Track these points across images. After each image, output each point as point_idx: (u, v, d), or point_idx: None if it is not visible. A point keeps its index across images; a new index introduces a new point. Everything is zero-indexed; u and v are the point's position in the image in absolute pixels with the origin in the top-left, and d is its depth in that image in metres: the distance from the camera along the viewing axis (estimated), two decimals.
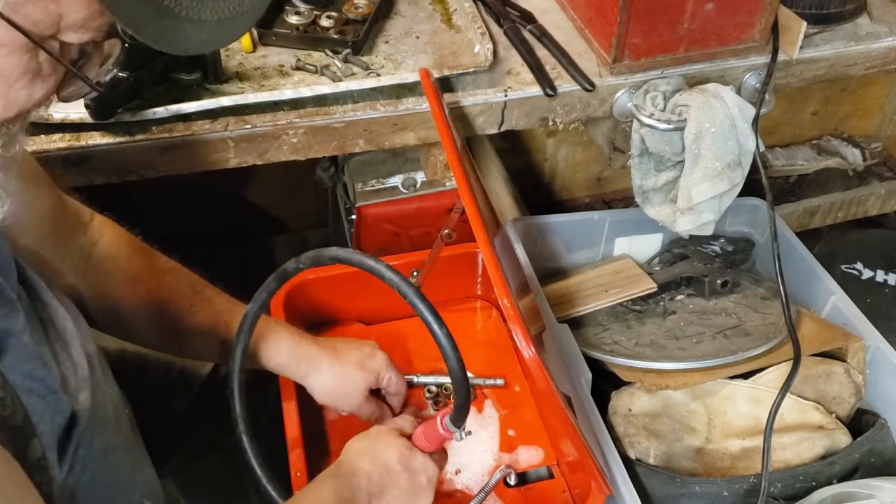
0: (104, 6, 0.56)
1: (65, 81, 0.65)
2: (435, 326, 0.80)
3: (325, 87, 1.17)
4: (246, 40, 1.28)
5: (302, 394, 1.11)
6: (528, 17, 1.37)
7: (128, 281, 1.00)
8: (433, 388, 1.20)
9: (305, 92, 1.16)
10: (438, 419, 0.91)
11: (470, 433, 0.94)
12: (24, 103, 0.61)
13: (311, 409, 1.17)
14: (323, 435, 1.15)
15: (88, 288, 0.99)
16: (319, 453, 1.12)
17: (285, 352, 1.02)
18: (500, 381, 1.22)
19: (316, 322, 1.27)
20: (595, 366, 1.18)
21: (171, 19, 0.57)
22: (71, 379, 0.76)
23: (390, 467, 0.90)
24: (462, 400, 0.86)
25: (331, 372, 1.03)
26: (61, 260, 0.96)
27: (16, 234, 0.86)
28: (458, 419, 0.89)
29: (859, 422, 1.22)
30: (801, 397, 1.19)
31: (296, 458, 1.02)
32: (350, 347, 1.07)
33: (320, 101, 1.18)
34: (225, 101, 1.12)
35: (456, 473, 1.11)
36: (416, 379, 1.20)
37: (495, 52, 1.27)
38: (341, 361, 1.04)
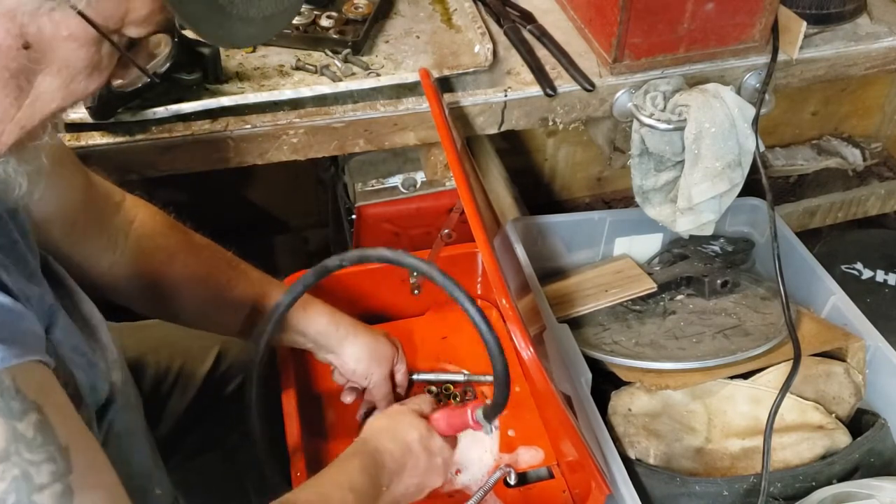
0: (168, 4, 0.60)
1: (116, 72, 0.68)
2: (483, 326, 0.83)
3: (325, 87, 1.17)
4: None
5: (302, 394, 1.11)
6: (528, 17, 1.37)
7: (167, 257, 1.02)
8: (433, 389, 1.20)
9: (305, 92, 1.16)
10: (469, 410, 0.93)
11: (497, 427, 0.95)
12: (81, 93, 0.64)
13: (311, 409, 1.17)
14: (323, 435, 1.15)
15: (126, 267, 1.00)
16: (319, 453, 1.12)
17: (324, 318, 1.07)
18: None
19: None
20: (595, 366, 1.18)
21: (223, 17, 0.63)
22: (101, 363, 0.79)
23: (411, 447, 0.92)
24: (501, 400, 0.89)
25: (365, 339, 1.09)
26: (95, 242, 0.97)
27: (44, 229, 0.86)
28: (493, 415, 0.92)
29: (859, 422, 1.22)
30: (801, 397, 1.19)
31: (296, 458, 1.03)
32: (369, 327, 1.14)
33: (320, 101, 1.18)
34: (225, 101, 1.13)
35: (456, 473, 1.11)
36: (418, 377, 1.21)
37: (495, 52, 1.27)
38: (373, 331, 1.12)
